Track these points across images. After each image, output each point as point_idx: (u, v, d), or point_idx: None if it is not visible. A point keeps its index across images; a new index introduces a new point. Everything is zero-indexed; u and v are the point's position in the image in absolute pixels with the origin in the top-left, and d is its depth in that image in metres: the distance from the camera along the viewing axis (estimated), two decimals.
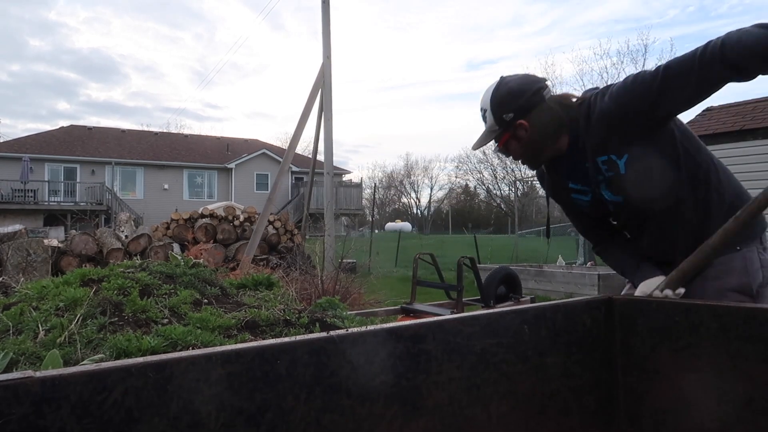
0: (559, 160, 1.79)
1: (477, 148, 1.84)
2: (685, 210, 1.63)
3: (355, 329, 1.08)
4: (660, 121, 1.56)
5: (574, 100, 1.73)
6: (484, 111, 1.77)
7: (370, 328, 1.10)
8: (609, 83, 1.74)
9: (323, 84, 11.26)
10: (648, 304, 1.39)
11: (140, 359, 0.86)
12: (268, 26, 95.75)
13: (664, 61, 1.50)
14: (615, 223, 1.84)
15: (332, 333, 1.05)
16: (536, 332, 1.22)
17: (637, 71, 1.59)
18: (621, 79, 1.62)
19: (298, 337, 1.02)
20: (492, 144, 1.82)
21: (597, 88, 1.71)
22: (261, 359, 0.95)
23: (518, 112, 1.70)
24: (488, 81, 1.85)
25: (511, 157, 1.83)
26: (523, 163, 1.84)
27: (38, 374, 0.77)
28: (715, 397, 1.24)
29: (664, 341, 1.33)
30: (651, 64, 33.43)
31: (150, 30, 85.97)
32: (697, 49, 1.41)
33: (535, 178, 2.15)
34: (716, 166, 1.65)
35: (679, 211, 1.64)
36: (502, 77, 1.79)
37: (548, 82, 1.80)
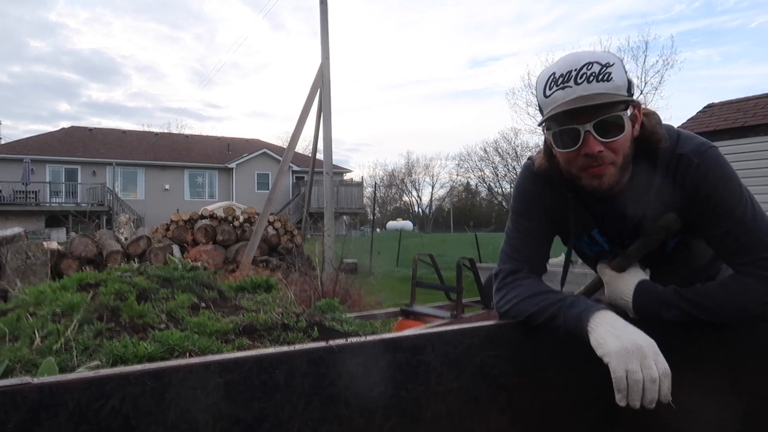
0: (592, 199, 1.38)
1: (575, 105, 1.18)
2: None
3: (354, 339, 1.07)
4: None
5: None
6: (607, 65, 1.20)
7: (369, 338, 1.09)
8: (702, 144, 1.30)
9: (322, 84, 11.25)
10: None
11: (138, 367, 0.86)
12: (268, 25, 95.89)
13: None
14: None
15: (331, 343, 1.04)
16: (536, 344, 1.21)
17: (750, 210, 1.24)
18: (722, 169, 1.26)
19: (297, 347, 1.01)
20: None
21: (675, 130, 1.33)
22: (259, 368, 0.95)
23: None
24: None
25: (593, 148, 1.21)
26: (597, 170, 1.24)
27: (36, 380, 0.78)
28: (715, 412, 1.22)
29: (664, 353, 1.31)
30: (651, 61, 33.42)
31: (150, 30, 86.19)
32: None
33: None
34: None
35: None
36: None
37: None
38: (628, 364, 1.08)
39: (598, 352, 1.12)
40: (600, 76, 1.18)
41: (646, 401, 1.06)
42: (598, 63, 1.19)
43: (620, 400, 1.08)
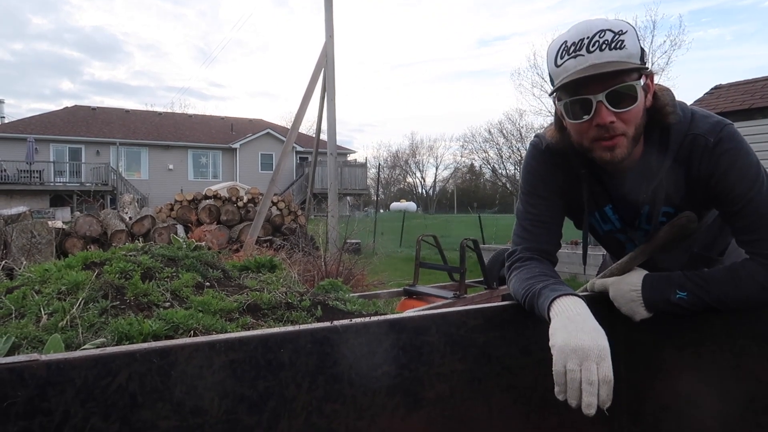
0: (605, 173, 1.35)
1: (589, 73, 1.13)
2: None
3: (358, 320, 1.07)
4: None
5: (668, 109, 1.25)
6: (620, 32, 1.15)
7: (374, 319, 1.09)
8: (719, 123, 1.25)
9: (326, 63, 11.15)
10: None
11: (145, 345, 0.87)
12: (272, 2, 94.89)
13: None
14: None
15: (336, 323, 1.04)
16: (538, 325, 1.21)
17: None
18: (740, 150, 1.22)
19: (302, 326, 1.02)
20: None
21: (689, 109, 1.28)
22: (264, 347, 0.96)
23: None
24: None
25: (605, 117, 1.16)
26: (609, 143, 1.19)
27: (44, 357, 0.78)
28: (717, 396, 1.23)
29: (667, 338, 1.31)
30: (659, 42, 32.93)
31: (153, 7, 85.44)
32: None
33: None
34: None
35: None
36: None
37: None
38: (567, 362, 1.04)
39: (549, 342, 1.09)
40: (613, 44, 1.13)
41: (583, 403, 1.02)
42: (611, 30, 1.14)
43: (558, 393, 1.06)
